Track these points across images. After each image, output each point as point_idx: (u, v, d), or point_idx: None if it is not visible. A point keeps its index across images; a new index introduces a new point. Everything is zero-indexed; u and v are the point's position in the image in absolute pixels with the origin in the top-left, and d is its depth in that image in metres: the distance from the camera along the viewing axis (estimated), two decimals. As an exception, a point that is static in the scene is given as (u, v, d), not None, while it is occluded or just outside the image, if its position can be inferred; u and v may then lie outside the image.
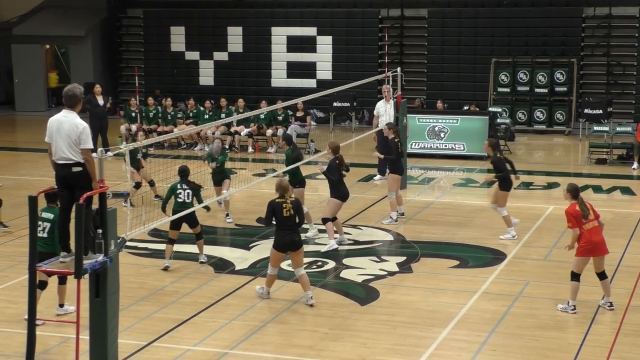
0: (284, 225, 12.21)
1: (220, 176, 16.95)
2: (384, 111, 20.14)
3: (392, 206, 16.84)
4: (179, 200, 13.96)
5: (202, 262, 14.30)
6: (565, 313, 11.95)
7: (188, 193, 14.02)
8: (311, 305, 12.24)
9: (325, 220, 15.10)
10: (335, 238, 15.15)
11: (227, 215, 16.99)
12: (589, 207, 11.99)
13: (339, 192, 15.14)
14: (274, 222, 12.34)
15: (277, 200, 12.27)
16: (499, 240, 15.51)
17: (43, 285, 11.61)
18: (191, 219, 13.95)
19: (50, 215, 11.45)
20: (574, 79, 27.51)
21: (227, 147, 24.17)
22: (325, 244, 15.09)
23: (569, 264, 13.05)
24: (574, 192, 12.02)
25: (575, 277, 11.97)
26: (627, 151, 22.85)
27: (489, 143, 15.81)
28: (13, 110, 32.51)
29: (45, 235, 11.36)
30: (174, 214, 13.52)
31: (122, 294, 10.80)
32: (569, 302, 12.03)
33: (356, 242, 15.62)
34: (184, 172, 14.32)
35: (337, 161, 15.11)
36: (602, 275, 12.09)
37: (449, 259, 14.71)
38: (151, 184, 18.15)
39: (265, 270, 13.93)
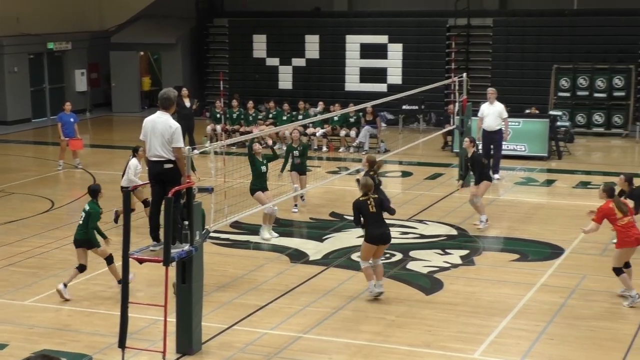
0: (372, 220, 12.03)
1: (303, 167, 16.89)
2: (488, 113, 19.88)
3: (480, 210, 15.88)
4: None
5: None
6: (634, 308, 11.69)
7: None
8: (380, 293, 12.14)
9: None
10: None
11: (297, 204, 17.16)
12: (625, 204, 12.22)
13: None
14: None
15: (360, 199, 12.11)
16: (559, 236, 15.27)
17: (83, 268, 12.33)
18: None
19: (87, 207, 12.24)
20: (632, 84, 26.86)
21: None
22: None
23: (624, 260, 12.80)
24: (610, 192, 12.14)
25: (619, 270, 11.89)
26: (682, 153, 22.27)
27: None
28: (110, 111, 33.12)
29: (81, 222, 12.23)
30: None
31: (206, 281, 10.97)
32: (632, 294, 11.80)
33: (422, 236, 15.53)
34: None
35: (372, 173, 13.83)
36: (627, 265, 12.08)
37: (510, 252, 14.55)
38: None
39: (337, 261, 13.99)
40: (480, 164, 15.84)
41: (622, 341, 10.58)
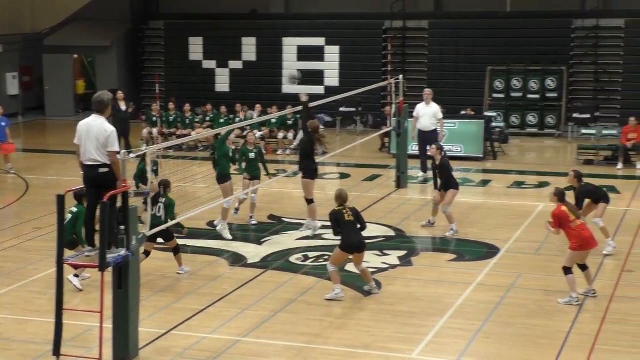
0: (348, 229, 12.17)
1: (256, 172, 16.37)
2: (423, 113, 20.03)
3: (450, 219, 15.73)
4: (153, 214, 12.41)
5: (179, 274, 13.38)
6: (569, 305, 11.88)
7: (160, 207, 13.03)
8: (371, 293, 12.41)
9: (309, 202, 15.52)
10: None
11: (251, 217, 16.59)
12: (575, 207, 12.26)
13: (310, 168, 15.46)
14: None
15: (336, 209, 12.30)
16: (494, 235, 15.48)
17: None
18: (165, 234, 12.95)
19: (74, 209, 11.88)
20: (564, 85, 27.40)
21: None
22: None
23: (558, 257, 13.09)
24: (561, 196, 12.09)
25: (568, 270, 11.95)
26: (612, 153, 22.79)
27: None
28: (43, 115, 32.58)
29: (66, 223, 11.67)
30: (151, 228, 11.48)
31: (143, 286, 10.86)
32: (572, 295, 11.98)
33: (360, 238, 15.58)
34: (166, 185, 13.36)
35: (316, 137, 15.47)
36: (584, 267, 12.13)
37: (447, 253, 14.71)
38: None
39: (275, 263, 13.98)
40: (448, 172, 15.83)
41: (557, 338, 10.77)
